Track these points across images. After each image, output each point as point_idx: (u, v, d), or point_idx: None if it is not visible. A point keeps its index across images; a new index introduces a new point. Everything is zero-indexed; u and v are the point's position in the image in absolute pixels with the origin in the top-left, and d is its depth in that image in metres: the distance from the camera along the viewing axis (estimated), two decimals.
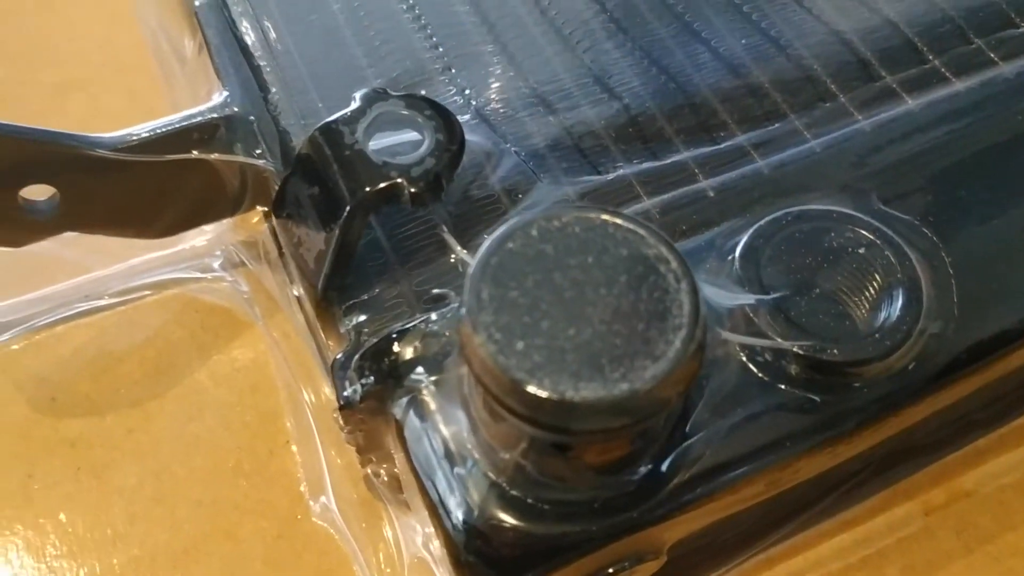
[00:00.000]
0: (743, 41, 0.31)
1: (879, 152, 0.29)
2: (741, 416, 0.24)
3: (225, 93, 0.30)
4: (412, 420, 0.24)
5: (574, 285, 0.21)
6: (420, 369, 0.25)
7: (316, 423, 0.31)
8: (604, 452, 0.22)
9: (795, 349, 0.24)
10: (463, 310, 0.21)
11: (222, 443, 0.31)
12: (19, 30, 0.40)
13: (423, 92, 0.29)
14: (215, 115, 0.30)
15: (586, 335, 0.20)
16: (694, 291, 0.21)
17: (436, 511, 0.24)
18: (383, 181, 0.25)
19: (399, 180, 0.25)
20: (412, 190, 0.25)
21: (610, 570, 0.24)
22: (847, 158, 0.28)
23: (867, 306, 0.25)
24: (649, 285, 0.21)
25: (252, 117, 0.30)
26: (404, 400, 0.25)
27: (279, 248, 0.31)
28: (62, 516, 0.30)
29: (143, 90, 0.38)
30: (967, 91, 0.30)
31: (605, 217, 0.22)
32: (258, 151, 0.29)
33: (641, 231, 0.22)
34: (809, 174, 0.28)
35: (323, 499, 0.30)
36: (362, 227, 0.26)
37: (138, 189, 0.30)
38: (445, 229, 0.27)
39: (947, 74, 0.30)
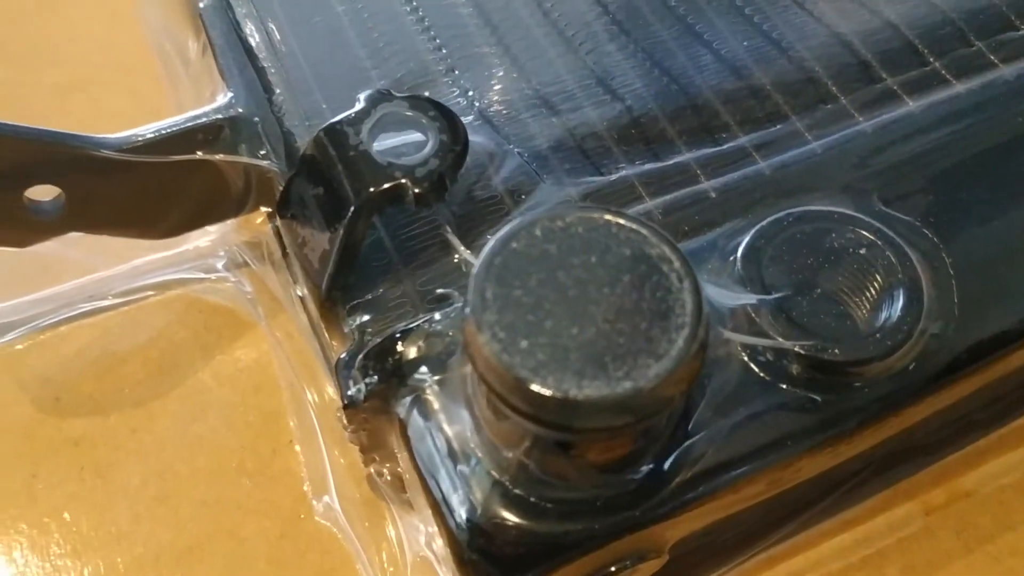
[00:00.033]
0: (745, 43, 0.31)
1: (880, 153, 0.29)
2: (743, 415, 0.24)
3: (229, 94, 0.30)
4: (416, 419, 0.25)
5: (577, 284, 0.21)
6: (424, 368, 0.25)
7: (319, 423, 0.31)
8: (607, 450, 0.22)
9: (796, 349, 0.24)
10: (467, 309, 0.21)
11: (225, 443, 0.31)
12: (21, 31, 0.40)
13: (427, 94, 0.29)
14: (219, 116, 0.30)
15: (589, 334, 0.20)
16: (697, 290, 0.21)
17: (439, 509, 0.24)
18: (387, 181, 0.25)
19: (403, 180, 0.25)
20: (416, 190, 0.25)
21: (612, 568, 0.24)
22: (848, 159, 0.29)
23: (868, 306, 0.25)
24: (652, 284, 0.21)
25: (256, 118, 0.30)
26: (408, 399, 0.25)
27: (283, 248, 0.31)
28: (66, 515, 0.30)
29: (145, 91, 0.38)
30: (967, 93, 0.30)
31: (608, 217, 0.22)
32: (262, 152, 0.29)
33: (644, 231, 0.22)
34: (810, 175, 0.28)
35: (326, 498, 0.30)
36: (366, 227, 0.26)
37: (142, 190, 0.30)
38: (448, 229, 0.27)
39: (948, 76, 0.30)
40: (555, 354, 0.20)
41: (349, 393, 0.25)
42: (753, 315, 0.25)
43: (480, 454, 0.24)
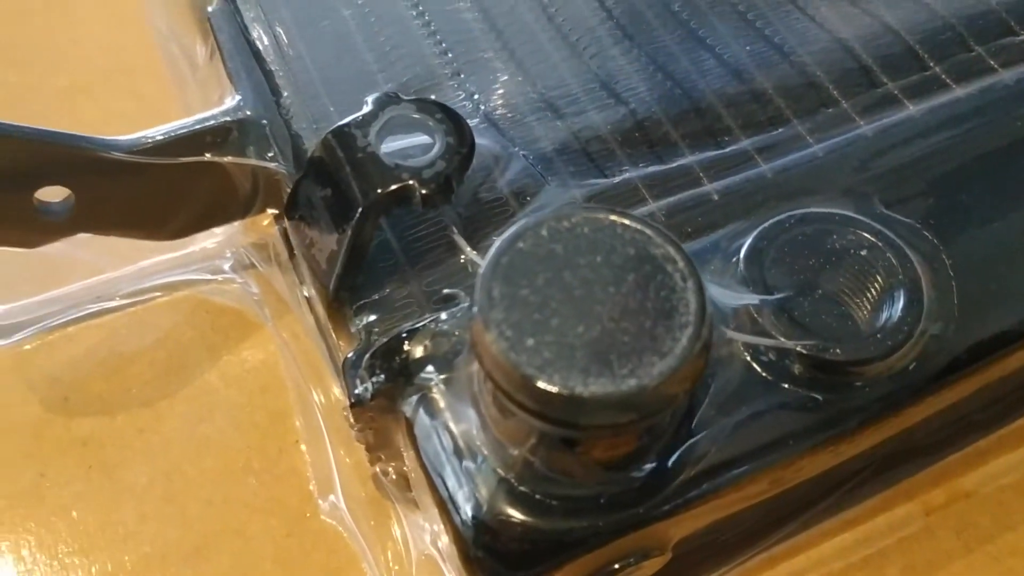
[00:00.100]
0: (747, 48, 0.32)
1: (881, 157, 0.29)
2: (745, 414, 0.24)
3: (237, 97, 0.30)
4: (422, 418, 0.25)
5: (583, 284, 0.21)
6: (430, 368, 0.25)
7: (325, 423, 0.31)
8: (612, 448, 0.23)
9: (798, 348, 0.24)
10: (475, 307, 0.21)
11: (232, 443, 0.31)
12: (28, 35, 0.40)
13: (433, 97, 0.30)
14: (228, 119, 0.30)
15: (595, 332, 0.21)
16: (700, 290, 0.21)
17: (445, 507, 0.24)
18: (395, 183, 0.26)
19: (410, 182, 0.26)
20: (423, 192, 0.26)
21: (616, 566, 0.24)
22: (849, 162, 0.29)
23: (869, 307, 0.25)
24: (656, 284, 0.21)
25: (264, 121, 0.30)
26: (414, 398, 0.25)
27: (290, 250, 0.32)
28: (74, 514, 0.30)
29: (152, 94, 0.38)
30: (967, 97, 0.30)
31: (613, 218, 0.22)
32: (270, 154, 0.30)
33: (648, 231, 0.22)
34: (812, 178, 0.29)
35: (332, 498, 0.30)
36: (374, 228, 0.27)
37: (151, 191, 0.30)
38: (455, 230, 0.27)
39: (948, 81, 0.31)
40: (561, 352, 0.20)
41: (356, 392, 0.25)
42: (755, 315, 0.25)
43: (486, 452, 0.24)
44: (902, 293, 0.25)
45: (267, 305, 0.33)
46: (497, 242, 0.22)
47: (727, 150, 0.29)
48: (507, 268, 0.21)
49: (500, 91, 0.31)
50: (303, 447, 0.31)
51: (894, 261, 0.26)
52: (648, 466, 0.24)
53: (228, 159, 0.30)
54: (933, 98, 0.30)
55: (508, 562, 0.23)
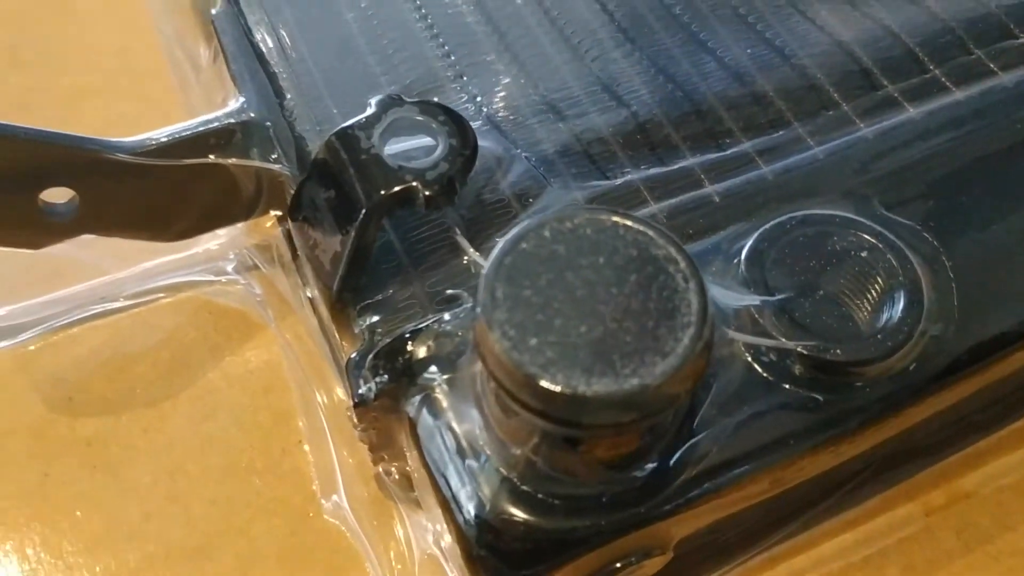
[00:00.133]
0: (748, 51, 0.32)
1: (881, 159, 0.29)
2: (746, 414, 0.25)
3: (241, 99, 0.31)
4: (425, 417, 0.25)
5: (586, 284, 0.21)
6: (433, 368, 0.25)
7: (328, 423, 0.31)
8: (614, 447, 0.23)
9: (799, 349, 0.25)
10: (478, 308, 0.21)
11: (235, 442, 0.31)
12: (34, 37, 0.41)
13: (435, 99, 0.30)
14: (232, 120, 0.30)
15: (597, 332, 0.21)
16: (702, 290, 0.21)
17: (448, 506, 0.24)
18: (398, 184, 0.26)
19: (414, 184, 0.26)
20: (427, 193, 0.26)
21: (618, 564, 0.24)
22: (850, 165, 0.29)
23: (869, 308, 0.25)
24: (658, 284, 0.21)
25: (268, 123, 0.30)
26: (417, 398, 0.25)
27: (293, 251, 0.32)
28: (78, 513, 0.30)
29: (158, 96, 0.38)
30: (967, 100, 0.30)
31: (615, 219, 0.22)
32: (274, 156, 0.30)
33: (650, 232, 0.22)
34: (813, 180, 0.29)
35: (335, 497, 0.30)
36: (377, 229, 0.27)
37: (155, 193, 0.30)
38: (458, 232, 0.27)
39: (947, 83, 0.31)
40: (564, 352, 0.21)
41: (360, 392, 0.25)
42: (757, 316, 0.25)
43: (489, 451, 0.24)
44: (902, 294, 0.25)
45: (270, 306, 0.33)
46: (500, 243, 0.22)
47: (728, 152, 0.30)
48: (510, 269, 0.22)
49: (502, 93, 0.31)
50: (306, 447, 0.31)
51: (894, 262, 0.26)
52: (650, 465, 0.24)
53: (232, 161, 0.30)
54: (933, 101, 0.30)
55: (510, 561, 0.24)
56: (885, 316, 0.25)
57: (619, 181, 0.29)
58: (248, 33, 0.32)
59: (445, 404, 0.25)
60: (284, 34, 0.32)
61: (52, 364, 0.33)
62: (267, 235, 0.34)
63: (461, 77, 0.31)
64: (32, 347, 0.33)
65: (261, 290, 0.34)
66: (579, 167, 0.29)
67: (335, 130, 0.27)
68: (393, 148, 0.27)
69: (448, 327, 0.26)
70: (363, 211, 0.26)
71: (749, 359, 0.25)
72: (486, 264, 0.22)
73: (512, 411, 0.22)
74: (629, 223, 0.22)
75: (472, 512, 0.24)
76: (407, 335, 0.26)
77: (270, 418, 0.32)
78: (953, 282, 0.26)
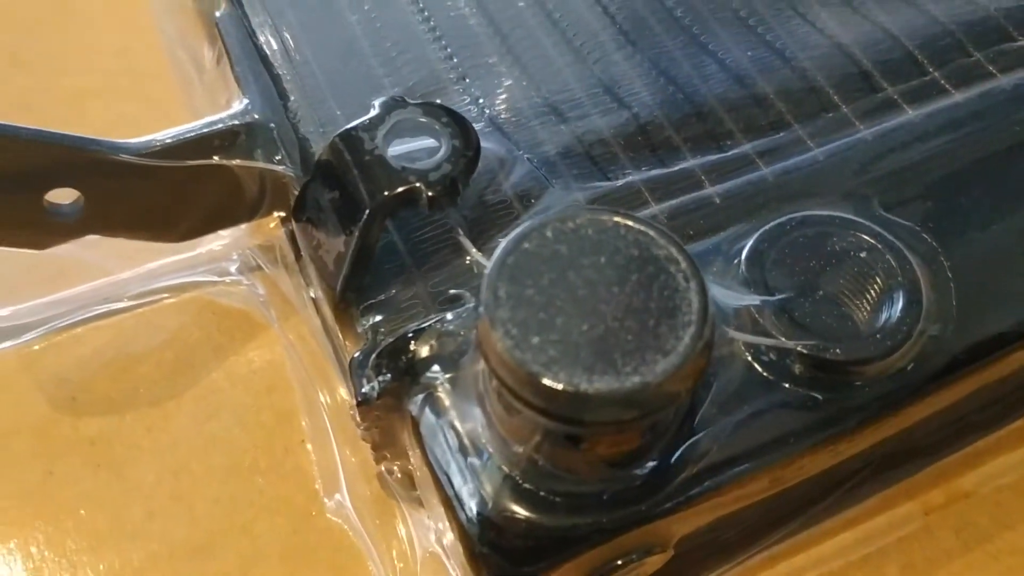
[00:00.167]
0: (748, 53, 0.32)
1: (880, 160, 0.29)
2: (746, 413, 0.25)
3: (245, 101, 0.31)
4: (428, 416, 0.25)
5: (587, 283, 0.22)
6: (436, 367, 0.25)
7: (331, 422, 0.31)
8: (615, 445, 0.23)
9: (799, 348, 0.25)
10: (481, 307, 0.21)
11: (239, 442, 0.31)
12: (38, 38, 0.41)
13: (438, 101, 0.30)
14: (236, 122, 0.30)
15: (599, 331, 0.21)
16: (703, 290, 0.22)
17: (451, 504, 0.24)
18: (402, 185, 0.26)
19: (417, 184, 0.26)
20: (429, 194, 0.26)
21: (619, 562, 0.25)
22: (849, 166, 0.29)
23: (868, 308, 0.25)
24: (659, 284, 0.22)
25: (272, 124, 0.30)
26: (420, 397, 0.25)
27: (296, 252, 0.32)
28: (82, 512, 0.30)
29: (160, 98, 0.38)
30: (966, 102, 0.31)
31: (617, 219, 0.22)
32: (278, 157, 0.30)
33: (651, 232, 0.22)
34: (812, 181, 0.29)
35: (337, 496, 0.30)
36: (380, 230, 0.27)
37: (159, 194, 0.30)
38: (460, 232, 0.27)
39: (947, 86, 0.31)
40: (566, 350, 0.21)
41: (363, 391, 0.26)
42: (757, 315, 0.25)
43: (491, 449, 0.24)
44: (901, 294, 0.25)
45: (273, 306, 0.33)
46: (502, 243, 0.22)
47: (729, 154, 0.30)
48: (512, 268, 0.22)
49: (504, 95, 0.31)
50: (309, 446, 0.31)
51: (893, 263, 0.26)
52: (651, 464, 0.24)
53: (236, 162, 0.30)
54: (932, 103, 0.31)
55: (512, 558, 0.24)
56: (884, 316, 0.25)
57: (620, 182, 0.29)
58: (252, 35, 0.32)
59: (447, 403, 0.25)
60: (288, 36, 0.32)
61: (56, 364, 0.33)
62: (270, 236, 0.34)
63: (464, 79, 0.31)
64: (36, 347, 0.33)
65: (264, 290, 0.34)
66: (581, 168, 0.29)
67: (339, 131, 0.27)
68: (396, 149, 0.27)
69: (451, 326, 0.26)
70: (367, 212, 0.26)
71: (749, 358, 0.25)
72: (488, 264, 0.22)
73: (514, 409, 0.22)
74: (630, 223, 0.22)
75: (474, 510, 0.24)
76: (410, 334, 0.26)
77: (273, 418, 0.32)
78: (952, 282, 0.27)
